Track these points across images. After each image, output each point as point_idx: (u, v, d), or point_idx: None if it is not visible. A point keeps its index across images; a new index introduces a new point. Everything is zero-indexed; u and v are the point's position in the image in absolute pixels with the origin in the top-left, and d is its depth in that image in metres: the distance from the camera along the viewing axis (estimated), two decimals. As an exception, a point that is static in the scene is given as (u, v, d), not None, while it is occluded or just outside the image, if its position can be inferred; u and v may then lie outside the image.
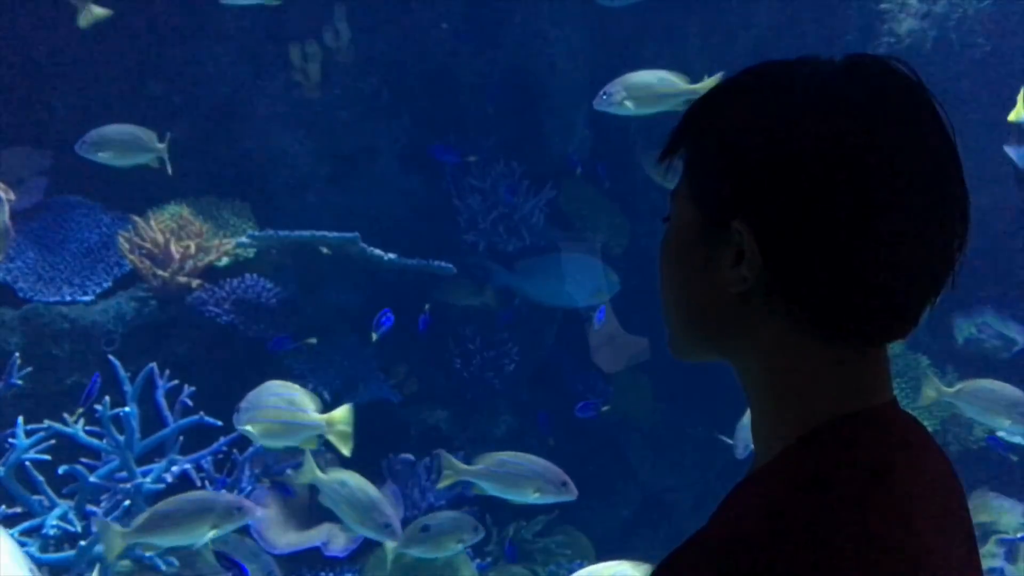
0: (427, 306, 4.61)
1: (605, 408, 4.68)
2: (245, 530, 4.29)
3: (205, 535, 3.66)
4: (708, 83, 4.30)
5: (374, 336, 4.34)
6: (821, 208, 0.93)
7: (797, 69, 0.99)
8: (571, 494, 4.04)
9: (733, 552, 0.89)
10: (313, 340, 4.46)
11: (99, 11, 4.34)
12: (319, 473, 3.91)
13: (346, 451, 3.91)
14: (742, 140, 0.97)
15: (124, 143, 4.29)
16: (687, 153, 1.04)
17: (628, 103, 4.25)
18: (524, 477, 4.01)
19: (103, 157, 4.28)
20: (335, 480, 3.89)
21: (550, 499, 4.04)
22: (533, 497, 4.01)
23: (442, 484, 4.11)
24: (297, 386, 3.95)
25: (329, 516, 4.55)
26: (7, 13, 4.77)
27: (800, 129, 0.94)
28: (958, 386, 4.41)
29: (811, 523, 0.90)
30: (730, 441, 4.43)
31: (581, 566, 4.63)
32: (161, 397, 4.12)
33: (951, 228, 0.97)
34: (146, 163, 4.31)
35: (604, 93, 4.32)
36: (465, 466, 4.07)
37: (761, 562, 0.87)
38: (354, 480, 3.90)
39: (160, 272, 4.59)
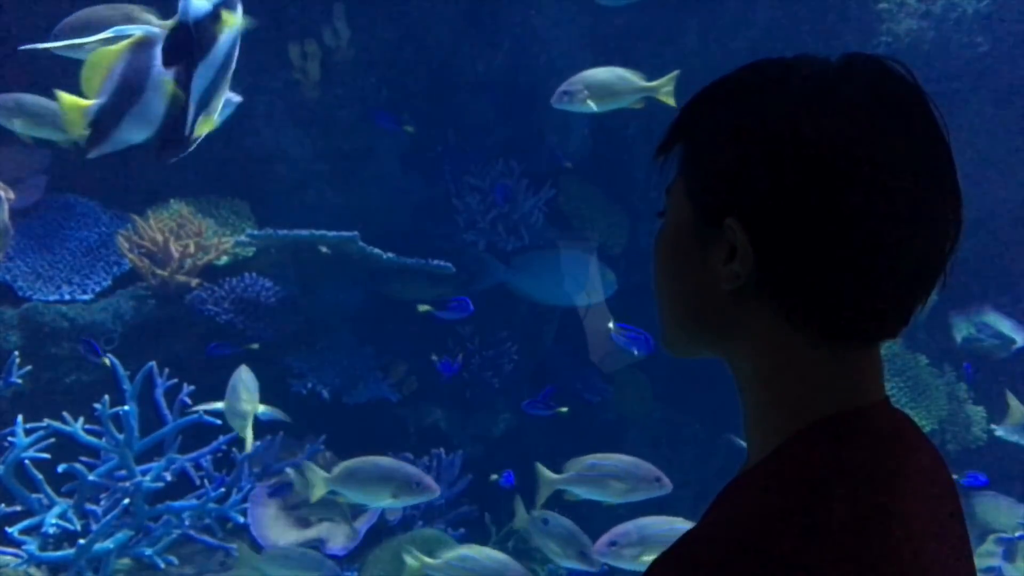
0: (459, 356, 4.62)
1: (563, 410, 4.64)
2: (245, 528, 4.30)
3: (384, 501, 3.86)
4: (663, 81, 4.33)
5: (432, 310, 4.35)
6: (814, 206, 0.93)
7: (794, 67, 0.99)
8: (666, 487, 4.02)
9: (726, 552, 0.89)
10: (255, 346, 4.41)
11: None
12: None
13: None
14: (737, 137, 0.97)
15: (40, 115, 4.03)
16: (683, 149, 1.04)
17: (590, 102, 4.26)
18: (615, 477, 4.01)
19: (16, 125, 4.05)
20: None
21: (642, 496, 4.04)
22: (629, 496, 4.02)
23: (541, 498, 4.10)
24: None
25: (328, 514, 4.56)
26: (6, 12, 4.77)
27: (795, 127, 0.94)
28: None
29: (803, 522, 0.90)
30: (742, 443, 4.42)
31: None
32: (160, 396, 4.13)
33: (944, 228, 0.97)
34: (56, 141, 4.06)
35: (564, 92, 4.31)
36: (556, 475, 4.08)
37: (753, 562, 0.88)
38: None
39: (159, 271, 4.59)
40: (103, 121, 3.14)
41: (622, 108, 4.38)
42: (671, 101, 4.32)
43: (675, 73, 4.33)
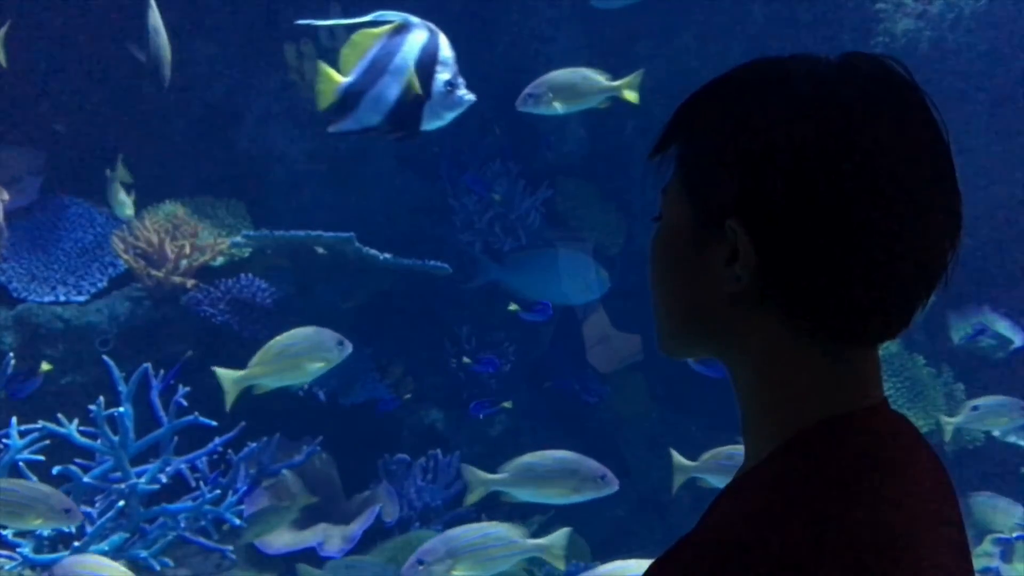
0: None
1: (506, 404, 4.61)
2: (241, 530, 4.29)
3: (563, 497, 3.83)
4: (628, 80, 4.32)
5: (519, 310, 4.35)
6: (817, 206, 0.93)
7: (792, 66, 0.98)
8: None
9: (723, 554, 0.89)
10: (189, 352, 4.35)
11: None
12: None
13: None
14: (736, 137, 0.96)
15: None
16: (679, 149, 1.03)
17: (555, 104, 4.25)
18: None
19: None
20: None
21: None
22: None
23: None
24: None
25: (324, 517, 4.55)
26: (4, 13, 4.76)
27: (795, 127, 0.94)
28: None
29: (801, 523, 0.90)
30: (738, 449, 4.41)
31: (577, 567, 4.63)
32: (156, 397, 4.12)
33: (944, 227, 0.97)
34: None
35: (528, 95, 4.28)
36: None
37: (752, 564, 0.87)
38: None
39: (155, 272, 4.57)
40: (347, 99, 3.24)
41: (591, 108, 4.35)
42: (635, 100, 4.31)
43: (640, 72, 4.31)
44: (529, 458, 3.93)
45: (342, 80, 3.32)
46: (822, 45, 1.01)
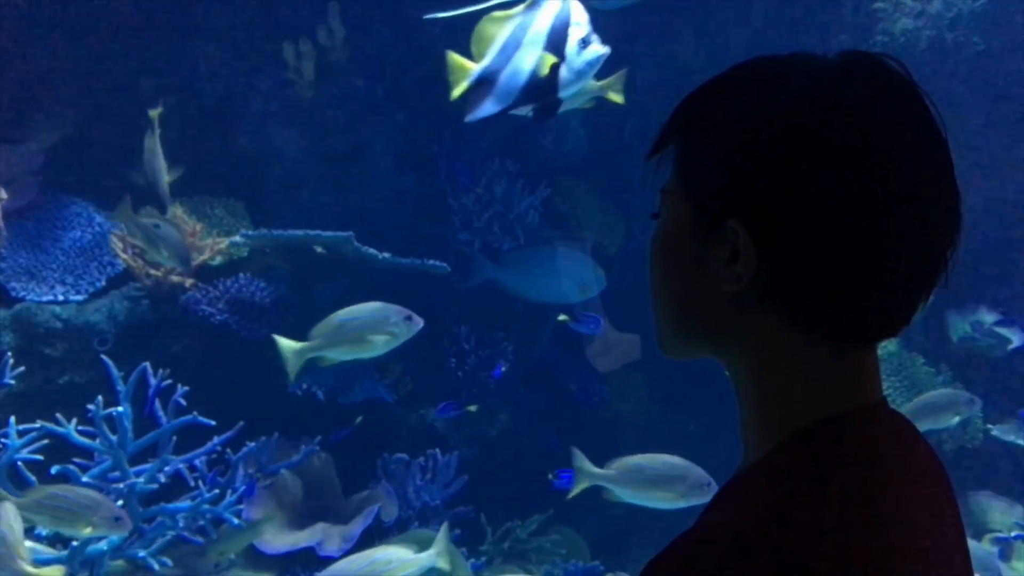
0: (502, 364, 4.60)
1: (471, 408, 4.60)
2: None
3: (665, 503, 3.83)
4: (612, 80, 4.30)
5: (568, 321, 4.40)
6: (817, 206, 0.93)
7: (791, 65, 0.98)
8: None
9: (721, 551, 0.89)
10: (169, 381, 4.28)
11: None
12: None
13: None
14: (736, 136, 0.96)
15: None
16: (678, 149, 1.03)
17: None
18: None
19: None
20: None
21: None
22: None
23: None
24: None
25: (323, 516, 4.55)
26: (3, 13, 4.76)
27: (797, 126, 0.94)
28: None
29: (800, 522, 0.90)
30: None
31: (576, 566, 4.64)
32: (154, 397, 4.11)
33: (944, 226, 0.97)
34: None
35: None
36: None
37: (750, 561, 0.87)
38: None
39: (153, 271, 4.57)
40: (482, 85, 3.26)
41: (577, 108, 4.33)
42: (620, 99, 4.30)
43: (623, 71, 4.30)
44: (639, 459, 3.94)
45: (474, 67, 3.32)
46: (820, 44, 1.01)
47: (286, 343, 3.91)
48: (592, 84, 4.27)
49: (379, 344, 3.94)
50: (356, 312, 3.96)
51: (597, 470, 3.95)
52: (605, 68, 4.32)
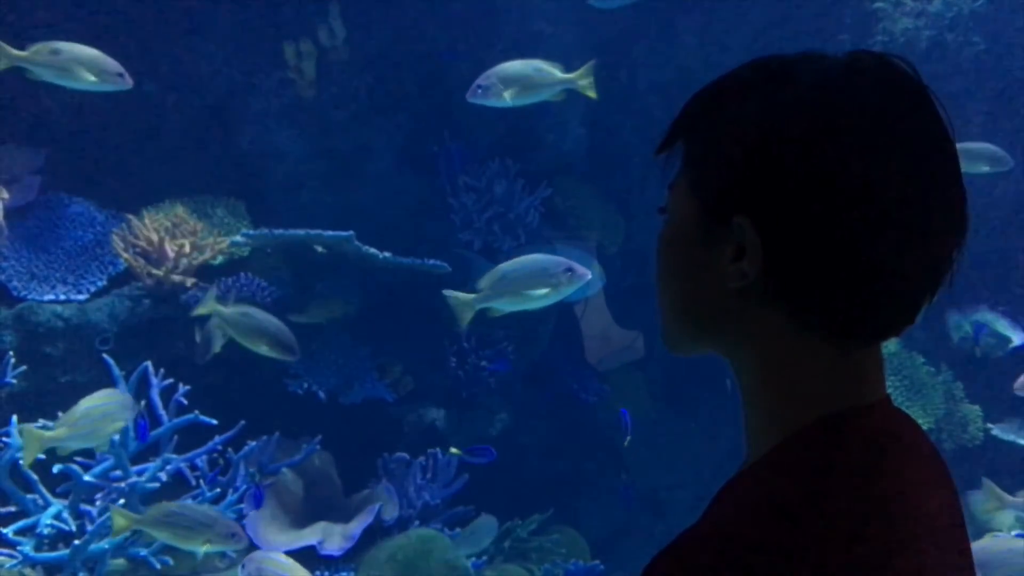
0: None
1: (453, 451, 4.58)
2: (241, 527, 4.29)
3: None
4: (581, 72, 4.30)
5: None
6: (825, 204, 0.93)
7: (799, 64, 0.98)
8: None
9: (725, 547, 0.89)
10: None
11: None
12: None
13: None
14: (745, 134, 0.96)
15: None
16: (686, 146, 1.03)
17: (505, 94, 4.23)
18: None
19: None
20: None
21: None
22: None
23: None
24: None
25: (324, 515, 4.55)
26: (2, 10, 4.76)
27: (803, 125, 0.94)
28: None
29: (802, 518, 0.90)
30: None
31: (577, 565, 4.64)
32: (156, 396, 4.12)
33: (950, 226, 0.97)
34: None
35: (478, 86, 4.26)
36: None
37: (753, 558, 0.88)
38: None
39: (154, 271, 4.57)
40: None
41: (544, 101, 4.34)
42: (591, 93, 4.29)
43: (592, 63, 4.31)
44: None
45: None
46: (821, 45, 1.01)
47: (458, 295, 4.03)
48: (561, 76, 4.27)
49: (540, 296, 3.94)
50: (519, 264, 4.01)
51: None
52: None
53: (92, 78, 3.87)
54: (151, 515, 3.63)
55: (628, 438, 4.41)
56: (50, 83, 4.83)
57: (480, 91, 4.25)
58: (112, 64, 3.90)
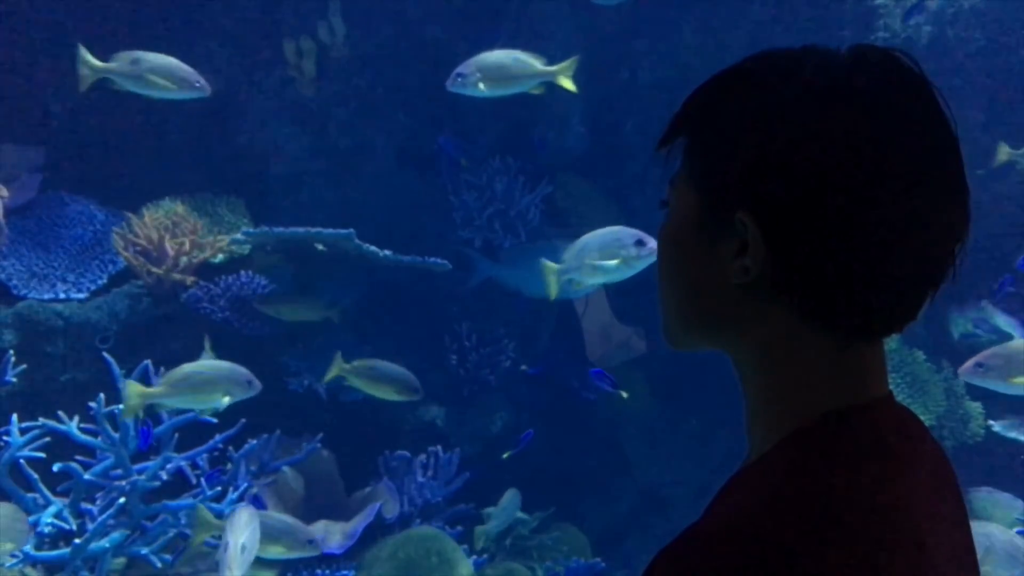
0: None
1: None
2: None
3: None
4: (563, 66, 4.30)
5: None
6: (829, 199, 0.92)
7: (803, 58, 0.97)
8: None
9: (727, 544, 0.89)
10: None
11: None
12: None
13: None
14: (748, 129, 0.96)
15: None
16: (687, 140, 1.02)
17: (482, 84, 4.22)
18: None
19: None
20: None
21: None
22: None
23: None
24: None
25: (324, 514, 4.55)
26: (2, 10, 4.76)
27: (806, 120, 0.93)
28: None
29: (805, 514, 0.90)
30: None
31: (578, 563, 4.64)
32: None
33: (952, 222, 0.96)
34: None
35: (458, 75, 4.25)
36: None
37: (756, 556, 0.87)
38: None
39: (154, 269, 4.57)
40: None
41: (522, 92, 4.34)
42: (571, 86, 4.29)
43: (575, 58, 4.30)
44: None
45: None
46: (821, 41, 1.00)
47: (549, 263, 4.13)
48: (541, 68, 4.26)
49: (613, 268, 3.98)
50: (594, 235, 4.07)
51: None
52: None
53: (171, 86, 3.92)
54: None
55: (508, 453, 4.53)
56: (52, 83, 4.85)
57: (459, 79, 4.25)
58: (189, 72, 3.95)
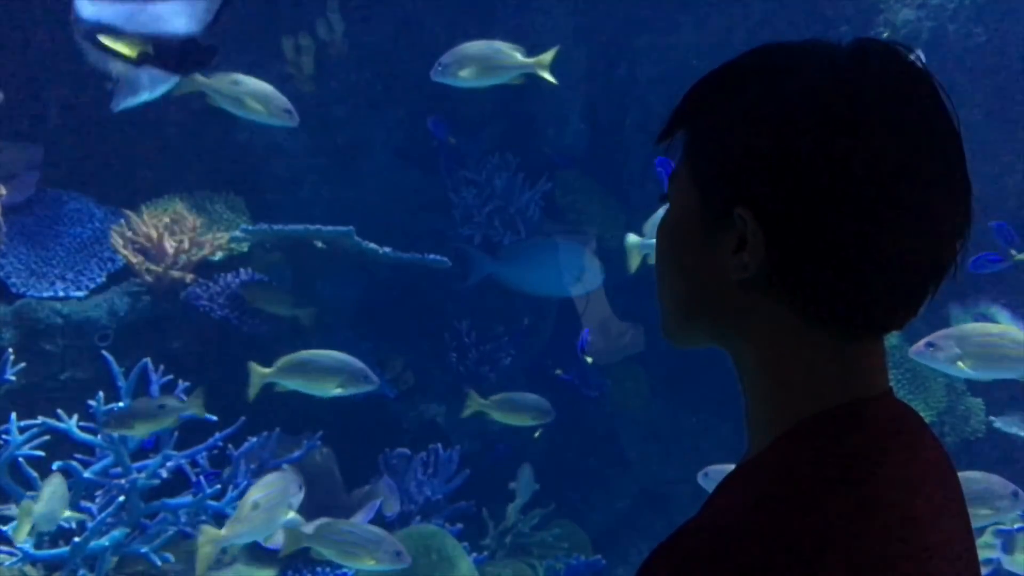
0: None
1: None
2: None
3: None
4: (544, 57, 4.30)
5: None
6: (828, 195, 0.91)
7: (804, 52, 0.97)
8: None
9: (725, 540, 0.88)
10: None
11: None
12: None
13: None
14: (746, 124, 0.95)
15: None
16: (687, 135, 1.02)
17: (462, 73, 4.24)
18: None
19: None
20: None
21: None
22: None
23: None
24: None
25: (324, 512, 4.55)
26: (2, 8, 4.75)
27: (807, 115, 0.92)
28: None
29: (803, 511, 0.89)
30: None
31: (578, 560, 4.64)
32: (156, 392, 4.11)
33: (954, 218, 0.96)
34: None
35: (439, 64, 4.29)
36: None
37: (753, 550, 0.87)
38: None
39: (153, 267, 4.57)
40: None
41: (504, 83, 4.36)
42: (550, 78, 4.31)
43: (555, 49, 4.32)
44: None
45: None
46: (822, 36, 0.99)
47: (632, 237, 4.25)
48: (521, 59, 4.27)
49: None
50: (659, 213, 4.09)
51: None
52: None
53: (262, 110, 4.09)
54: (320, 531, 3.76)
55: (538, 433, 4.64)
56: (51, 81, 4.84)
57: (440, 68, 4.28)
58: (282, 100, 4.13)
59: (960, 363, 3.83)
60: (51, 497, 3.70)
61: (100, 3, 2.99)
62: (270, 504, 3.72)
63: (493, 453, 4.78)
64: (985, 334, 3.88)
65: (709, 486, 4.08)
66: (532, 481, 4.68)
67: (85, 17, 2.95)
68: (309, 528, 3.83)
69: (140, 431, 3.81)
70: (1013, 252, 4.41)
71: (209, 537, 3.68)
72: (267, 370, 4.01)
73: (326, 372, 4.01)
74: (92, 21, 2.95)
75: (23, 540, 3.73)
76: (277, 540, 4.24)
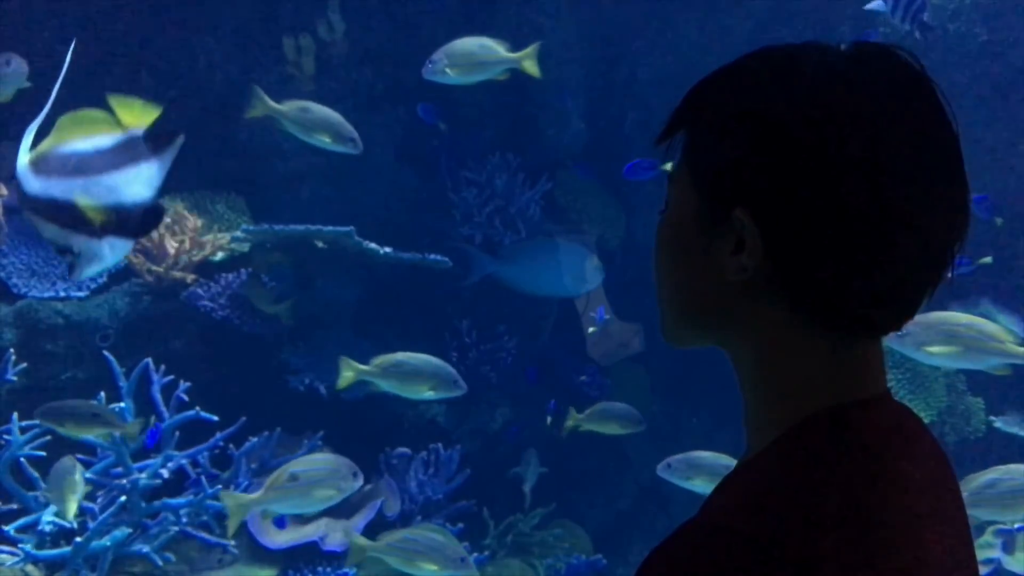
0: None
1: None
2: (242, 525, 4.29)
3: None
4: (528, 52, 4.33)
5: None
6: (827, 197, 0.92)
7: (803, 54, 0.97)
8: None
9: (723, 540, 0.89)
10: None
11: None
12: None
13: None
14: (747, 125, 0.95)
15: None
16: (686, 136, 1.02)
17: (449, 70, 4.26)
18: (419, 375, 4.08)
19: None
20: None
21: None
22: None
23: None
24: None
25: (326, 511, 4.55)
26: (3, 3, 4.75)
27: (808, 116, 0.93)
28: None
29: (801, 512, 0.90)
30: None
31: (579, 559, 4.64)
32: (157, 392, 4.12)
33: (952, 220, 0.96)
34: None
35: (429, 62, 4.33)
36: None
37: (750, 551, 0.87)
38: None
39: (154, 267, 4.57)
40: None
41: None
42: (535, 71, 4.33)
43: (538, 43, 4.36)
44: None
45: None
46: (822, 36, 1.00)
47: None
48: (506, 54, 4.30)
49: None
50: None
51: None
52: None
53: (328, 140, 4.20)
54: (385, 541, 3.79)
55: (550, 419, 4.77)
56: (49, 77, 4.83)
57: (430, 66, 4.33)
58: (348, 130, 4.23)
59: (926, 348, 3.90)
60: (80, 474, 3.73)
61: (47, 180, 2.98)
62: (311, 480, 3.71)
63: (508, 432, 4.81)
64: (954, 323, 3.95)
65: (672, 477, 4.13)
66: (538, 464, 4.75)
67: (34, 193, 2.94)
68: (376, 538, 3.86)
69: (69, 431, 3.76)
70: (998, 220, 4.49)
71: (237, 502, 3.68)
72: (363, 367, 4.05)
73: (419, 375, 4.07)
74: (43, 197, 2.93)
75: (72, 518, 3.73)
76: (335, 542, 4.26)
